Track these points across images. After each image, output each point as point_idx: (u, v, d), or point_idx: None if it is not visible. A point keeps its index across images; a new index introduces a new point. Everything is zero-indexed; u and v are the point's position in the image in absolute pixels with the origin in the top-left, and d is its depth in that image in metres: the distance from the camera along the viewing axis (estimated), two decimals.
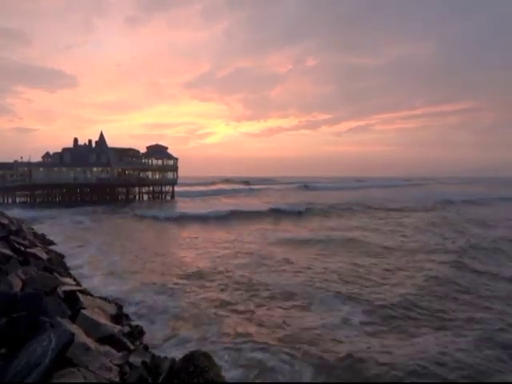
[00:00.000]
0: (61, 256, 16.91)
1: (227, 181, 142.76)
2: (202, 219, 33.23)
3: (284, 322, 9.39)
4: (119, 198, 58.61)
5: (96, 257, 17.52)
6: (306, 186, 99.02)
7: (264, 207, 41.22)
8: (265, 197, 65.94)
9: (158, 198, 62.75)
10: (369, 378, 6.88)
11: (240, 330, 8.85)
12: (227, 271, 14.62)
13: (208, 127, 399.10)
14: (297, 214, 37.22)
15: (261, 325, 9.25)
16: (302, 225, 30.41)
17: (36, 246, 14.99)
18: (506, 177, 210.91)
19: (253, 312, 10.19)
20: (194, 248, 20.52)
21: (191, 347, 7.31)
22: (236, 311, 10.26)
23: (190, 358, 5.26)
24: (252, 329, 8.97)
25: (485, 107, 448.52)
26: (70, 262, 15.83)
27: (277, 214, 36.69)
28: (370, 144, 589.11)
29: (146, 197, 63.28)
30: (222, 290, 12.28)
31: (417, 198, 56.39)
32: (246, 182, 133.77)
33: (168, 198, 63.23)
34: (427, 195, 60.44)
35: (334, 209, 41.01)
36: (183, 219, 33.55)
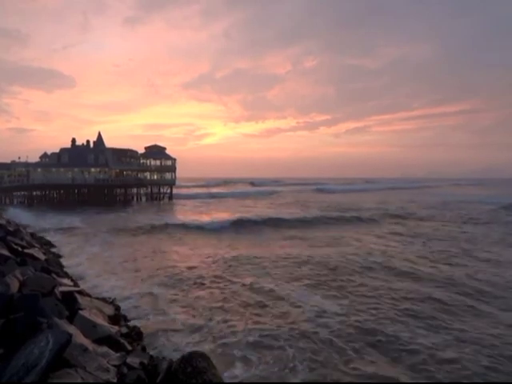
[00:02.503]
0: (58, 256, 16.90)
1: (225, 182, 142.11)
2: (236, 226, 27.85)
3: None
4: (117, 198, 58.47)
5: (94, 257, 17.48)
6: (319, 188, 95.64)
7: (315, 214, 35.22)
8: (286, 200, 60.54)
9: (156, 199, 62.63)
10: None
11: None
12: None
13: (206, 128, 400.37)
14: (363, 222, 31.64)
15: None
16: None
17: (33, 246, 14.94)
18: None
19: None
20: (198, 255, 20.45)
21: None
22: None
23: (187, 358, 5.25)
24: None
25: (484, 108, 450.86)
26: (68, 262, 15.79)
27: (352, 223, 31.10)
28: (368, 145, 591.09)
29: (144, 198, 63.15)
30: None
31: (452, 201, 51.64)
32: (251, 183, 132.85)
33: (166, 199, 63.11)
34: (462, 199, 55.22)
35: (391, 216, 34.75)
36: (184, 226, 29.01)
